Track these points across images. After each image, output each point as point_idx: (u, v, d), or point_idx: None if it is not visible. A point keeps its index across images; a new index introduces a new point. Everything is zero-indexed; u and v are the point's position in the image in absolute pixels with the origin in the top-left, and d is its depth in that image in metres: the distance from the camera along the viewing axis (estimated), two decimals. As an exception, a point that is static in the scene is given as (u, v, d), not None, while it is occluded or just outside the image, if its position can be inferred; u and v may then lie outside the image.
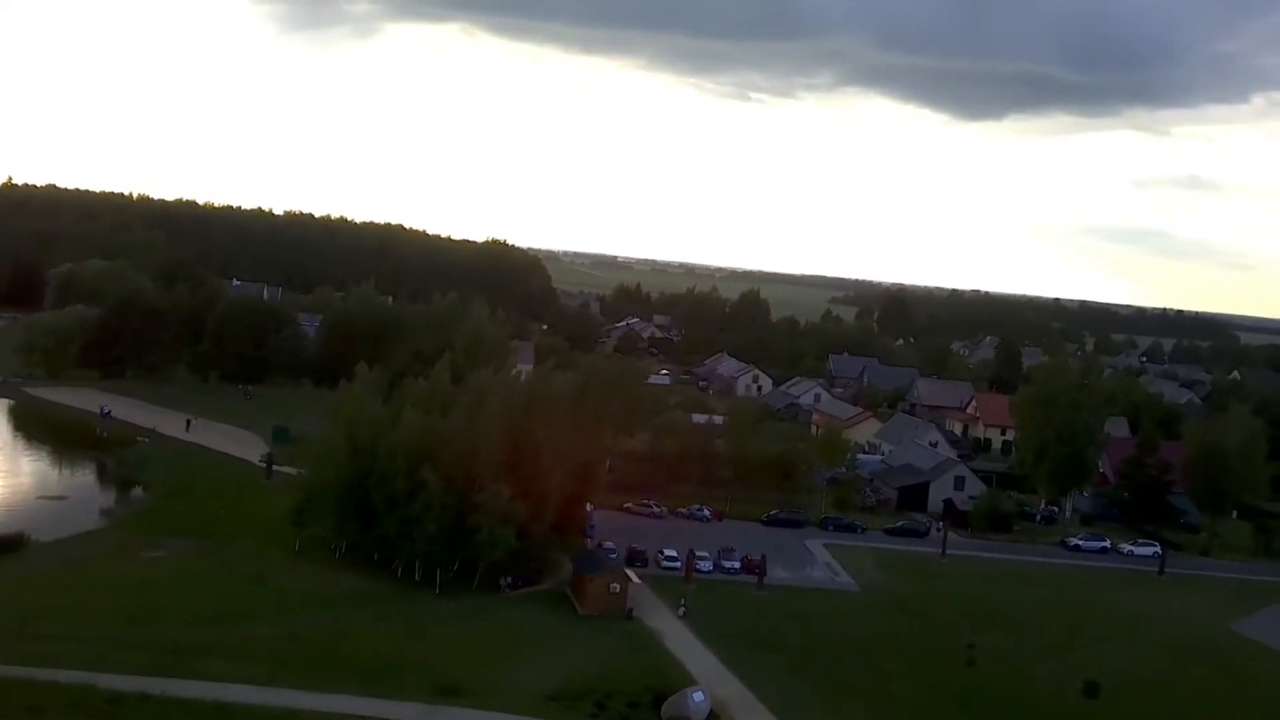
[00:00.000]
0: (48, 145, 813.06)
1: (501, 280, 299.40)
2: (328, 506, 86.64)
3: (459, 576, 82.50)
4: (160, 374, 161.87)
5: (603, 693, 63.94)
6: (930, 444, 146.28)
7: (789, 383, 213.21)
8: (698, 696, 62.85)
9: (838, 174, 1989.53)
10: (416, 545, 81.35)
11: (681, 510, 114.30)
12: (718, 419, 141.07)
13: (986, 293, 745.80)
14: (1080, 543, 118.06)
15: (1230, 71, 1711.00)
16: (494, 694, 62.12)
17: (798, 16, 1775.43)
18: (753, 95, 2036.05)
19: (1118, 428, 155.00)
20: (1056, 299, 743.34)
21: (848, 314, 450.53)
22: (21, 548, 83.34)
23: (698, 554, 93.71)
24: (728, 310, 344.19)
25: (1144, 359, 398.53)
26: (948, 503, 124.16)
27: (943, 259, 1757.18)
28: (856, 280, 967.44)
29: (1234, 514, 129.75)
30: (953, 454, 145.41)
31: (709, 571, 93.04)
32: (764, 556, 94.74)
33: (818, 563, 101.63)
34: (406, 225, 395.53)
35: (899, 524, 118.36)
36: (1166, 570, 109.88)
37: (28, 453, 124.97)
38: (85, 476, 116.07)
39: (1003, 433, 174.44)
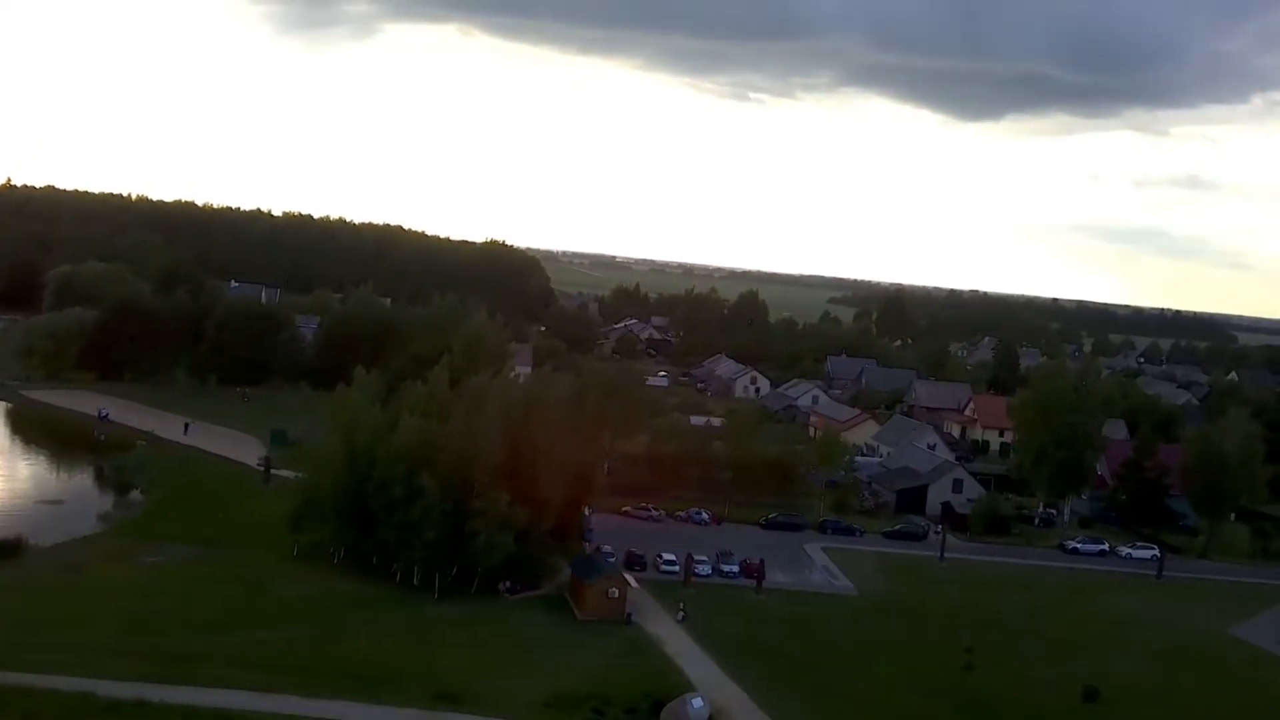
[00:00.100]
0: (46, 147, 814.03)
1: (500, 281, 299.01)
2: (326, 511, 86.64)
3: (457, 581, 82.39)
4: (158, 377, 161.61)
5: (601, 698, 63.74)
6: (928, 446, 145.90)
7: (787, 384, 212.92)
8: (697, 702, 62.65)
9: (836, 174, 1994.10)
10: (415, 550, 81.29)
11: (680, 514, 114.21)
12: (716, 421, 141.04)
13: (984, 293, 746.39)
14: (1079, 546, 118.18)
15: (1229, 71, 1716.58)
16: (492, 700, 62.04)
17: (796, 16, 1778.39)
18: (751, 95, 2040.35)
19: (1116, 430, 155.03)
20: (1054, 299, 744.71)
21: (846, 315, 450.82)
22: (19, 553, 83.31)
23: (696, 558, 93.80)
24: (726, 311, 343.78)
25: (1141, 360, 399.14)
26: (946, 505, 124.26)
27: (941, 259, 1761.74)
28: (855, 280, 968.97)
29: (1232, 517, 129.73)
30: (951, 456, 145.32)
31: (708, 575, 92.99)
32: (762, 560, 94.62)
33: (816, 566, 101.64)
34: (405, 226, 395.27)
35: (897, 527, 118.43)
36: (1165, 573, 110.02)
37: (25, 456, 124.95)
38: (83, 480, 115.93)
39: (1001, 435, 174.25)
